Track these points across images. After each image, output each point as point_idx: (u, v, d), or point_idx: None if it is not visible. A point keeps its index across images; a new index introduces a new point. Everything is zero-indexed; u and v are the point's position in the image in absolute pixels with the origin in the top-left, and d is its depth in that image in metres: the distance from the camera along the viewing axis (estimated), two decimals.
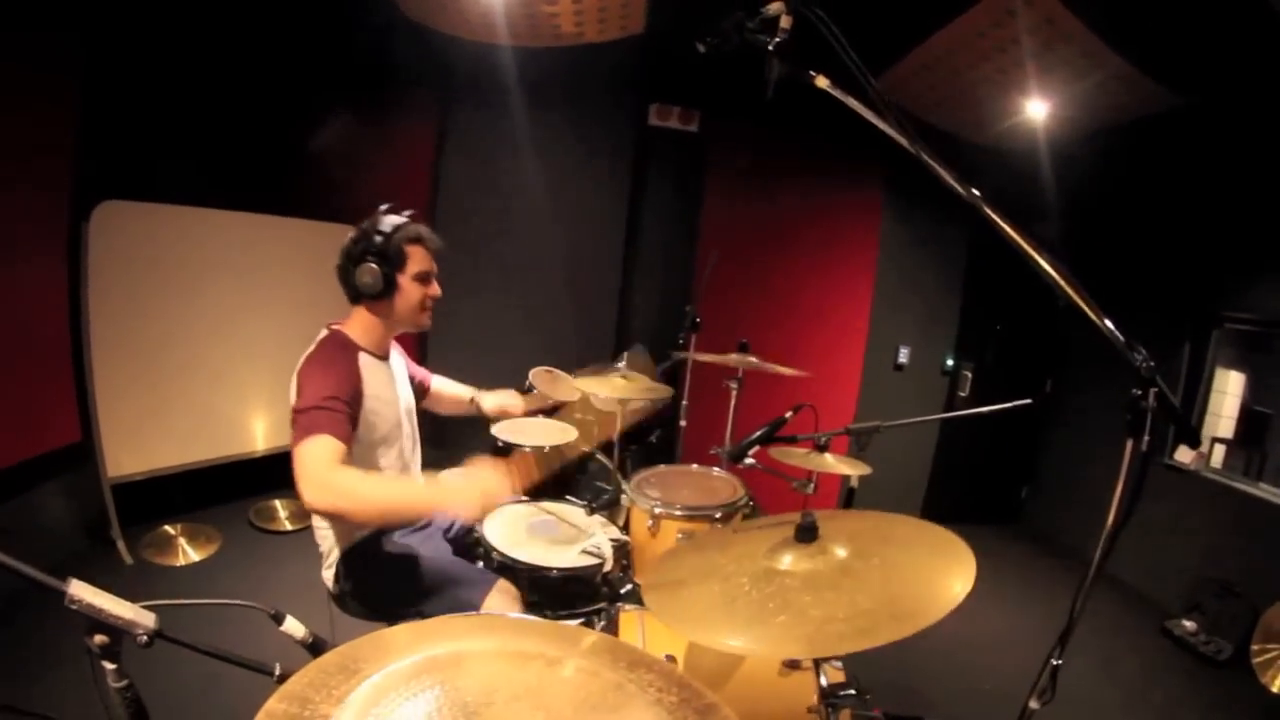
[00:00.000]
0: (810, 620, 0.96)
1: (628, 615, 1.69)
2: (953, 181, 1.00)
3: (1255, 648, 2.83)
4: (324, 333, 1.60)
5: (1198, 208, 3.34)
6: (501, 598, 1.55)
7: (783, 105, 1.13)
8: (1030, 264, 0.98)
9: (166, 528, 2.73)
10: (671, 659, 1.51)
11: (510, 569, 1.68)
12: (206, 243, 2.66)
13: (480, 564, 1.78)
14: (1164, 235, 3.54)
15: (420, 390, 1.94)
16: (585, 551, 1.78)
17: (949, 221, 3.71)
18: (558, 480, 2.91)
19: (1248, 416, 3.39)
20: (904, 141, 1.00)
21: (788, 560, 1.12)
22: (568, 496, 2.74)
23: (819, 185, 3.57)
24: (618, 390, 2.63)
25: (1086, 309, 0.99)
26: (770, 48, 1.08)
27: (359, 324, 1.62)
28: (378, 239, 1.53)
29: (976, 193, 1.01)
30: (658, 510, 1.93)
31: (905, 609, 0.93)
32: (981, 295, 3.87)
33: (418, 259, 1.59)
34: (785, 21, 1.09)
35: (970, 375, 3.98)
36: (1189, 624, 3.18)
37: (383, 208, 1.60)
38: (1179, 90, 2.51)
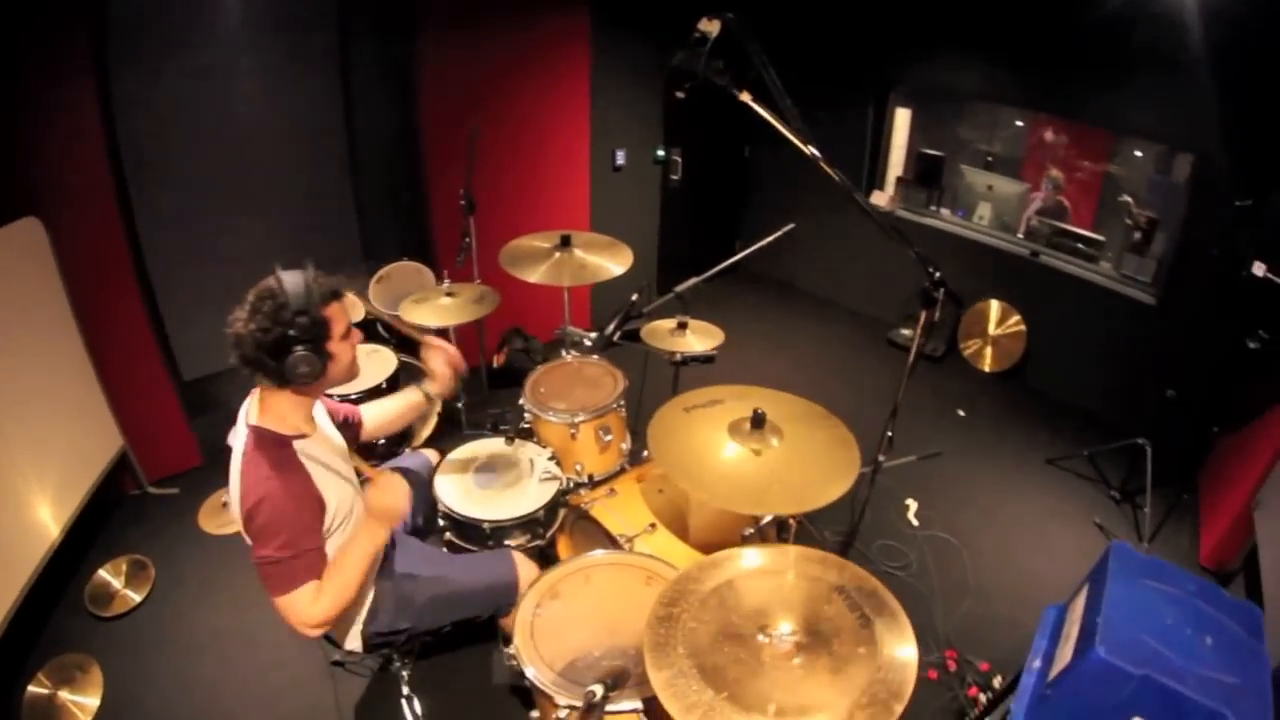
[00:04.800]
0: (795, 485, 1.79)
1: (599, 507, 2.34)
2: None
3: (963, 344, 4.55)
4: (245, 436, 1.59)
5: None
6: (523, 565, 2.07)
7: None
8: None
9: (33, 689, 2.38)
10: (653, 526, 2.25)
11: (504, 529, 2.19)
12: None
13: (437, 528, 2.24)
14: (850, 23, 4.68)
15: (352, 430, 2.00)
16: (544, 480, 2.33)
17: (646, 36, 4.44)
18: None
19: (921, 159, 4.88)
20: (803, 146, 1.60)
21: (746, 441, 1.92)
22: (467, 431, 3.17)
23: (532, 21, 3.82)
24: (446, 314, 2.94)
25: (885, 230, 1.81)
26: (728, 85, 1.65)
27: (284, 407, 1.61)
28: (299, 319, 1.49)
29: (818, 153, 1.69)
30: (574, 420, 2.50)
31: (842, 465, 1.84)
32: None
33: (339, 316, 1.60)
34: (708, 27, 1.58)
35: (680, 160, 5.04)
36: (906, 332, 4.89)
37: (279, 274, 1.54)
38: None
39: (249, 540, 1.56)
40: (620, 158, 4.68)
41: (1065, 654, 1.55)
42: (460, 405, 3.27)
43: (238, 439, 1.62)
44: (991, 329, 4.48)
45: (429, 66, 3.54)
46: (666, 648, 1.38)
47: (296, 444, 1.60)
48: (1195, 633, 1.48)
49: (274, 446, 1.57)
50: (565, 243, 2.95)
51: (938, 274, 2.02)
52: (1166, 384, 3.12)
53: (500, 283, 3.14)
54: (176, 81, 2.99)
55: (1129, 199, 4.19)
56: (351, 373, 1.68)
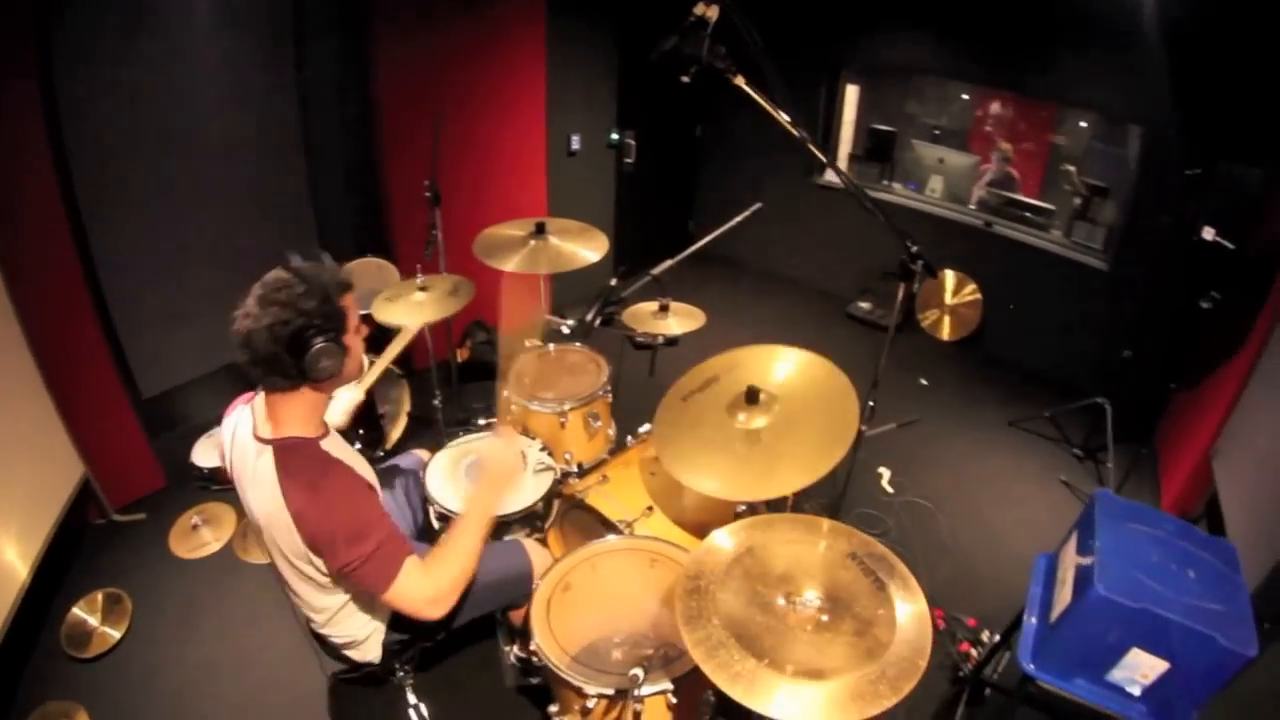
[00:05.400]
0: (796, 459, 1.86)
1: (594, 493, 2.38)
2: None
3: (920, 315, 4.72)
4: (268, 453, 1.48)
5: None
6: (535, 552, 2.08)
7: None
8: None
9: None
10: (650, 509, 2.29)
11: (504, 524, 2.20)
12: None
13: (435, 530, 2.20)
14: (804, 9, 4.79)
15: None
16: (539, 471, 2.34)
17: (601, 19, 4.54)
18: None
19: (873, 134, 5.03)
20: (792, 129, 1.66)
21: (745, 419, 1.99)
22: (446, 429, 3.15)
23: (488, 6, 3.80)
24: (422, 310, 2.89)
25: (873, 211, 1.89)
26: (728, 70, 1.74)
27: (301, 410, 1.51)
28: (324, 306, 1.42)
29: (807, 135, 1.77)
30: (563, 408, 2.53)
31: (838, 434, 1.91)
32: (635, 71, 4.88)
33: (353, 308, 1.53)
34: (706, 11, 1.62)
35: (634, 142, 5.12)
36: (864, 304, 5.06)
37: (292, 264, 1.45)
38: None
39: (315, 555, 1.49)
40: (575, 143, 4.72)
41: (1064, 596, 1.67)
42: (436, 403, 3.23)
43: (252, 458, 1.52)
44: (948, 298, 4.67)
45: (384, 58, 3.48)
46: (700, 620, 1.43)
47: (323, 444, 1.54)
48: (1179, 567, 1.61)
49: (305, 452, 1.50)
50: (540, 230, 2.93)
51: (915, 247, 2.11)
52: (1122, 345, 3.33)
53: (463, 274, 3.12)
54: (121, 82, 2.85)
55: (1071, 168, 4.43)
56: (360, 369, 1.61)
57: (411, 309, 2.91)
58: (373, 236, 3.84)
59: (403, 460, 2.39)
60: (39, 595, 2.58)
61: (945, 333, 4.71)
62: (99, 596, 2.69)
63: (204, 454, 3.27)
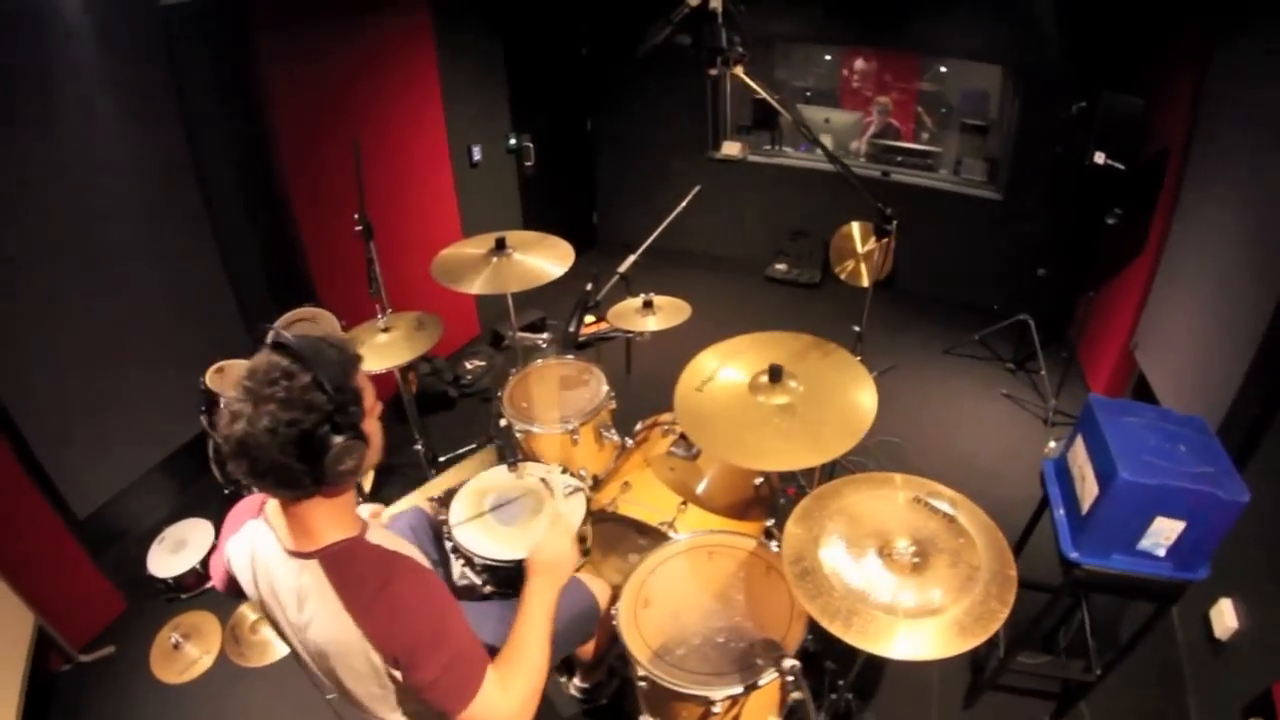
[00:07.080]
0: (840, 420, 2.03)
1: (624, 502, 2.44)
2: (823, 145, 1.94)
3: (837, 268, 5.05)
4: (314, 568, 1.25)
5: None
6: (594, 583, 2.11)
7: None
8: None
9: None
10: (684, 504, 2.39)
11: None
12: None
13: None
14: None
15: None
16: (569, 494, 2.38)
17: (484, 25, 4.58)
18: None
19: (758, 104, 5.31)
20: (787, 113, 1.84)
21: (778, 398, 2.11)
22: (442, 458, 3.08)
23: (374, 27, 3.75)
24: (390, 353, 2.82)
25: (847, 175, 2.10)
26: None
27: (334, 513, 1.26)
28: (338, 395, 1.16)
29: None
30: (574, 425, 2.59)
31: (859, 382, 2.15)
32: (523, 75, 4.96)
33: (366, 384, 1.28)
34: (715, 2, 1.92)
35: (531, 145, 5.19)
36: (780, 266, 5.36)
37: (281, 339, 1.17)
38: None
39: (396, 670, 1.26)
40: (476, 153, 4.72)
41: (1089, 489, 1.95)
42: (418, 447, 3.17)
43: (292, 580, 1.28)
44: (859, 248, 5.04)
45: (274, 91, 3.32)
46: (822, 596, 1.57)
47: (369, 538, 1.30)
48: (1172, 445, 1.92)
49: (360, 555, 1.27)
50: (501, 246, 2.84)
51: (888, 210, 2.35)
52: (1034, 266, 3.77)
53: (397, 305, 3.07)
54: None
55: (920, 109, 4.92)
56: (380, 455, 1.34)
57: (379, 354, 2.81)
58: (293, 285, 3.65)
59: (402, 521, 2.28)
60: None
61: (864, 280, 5.08)
62: None
63: (161, 563, 3.04)
